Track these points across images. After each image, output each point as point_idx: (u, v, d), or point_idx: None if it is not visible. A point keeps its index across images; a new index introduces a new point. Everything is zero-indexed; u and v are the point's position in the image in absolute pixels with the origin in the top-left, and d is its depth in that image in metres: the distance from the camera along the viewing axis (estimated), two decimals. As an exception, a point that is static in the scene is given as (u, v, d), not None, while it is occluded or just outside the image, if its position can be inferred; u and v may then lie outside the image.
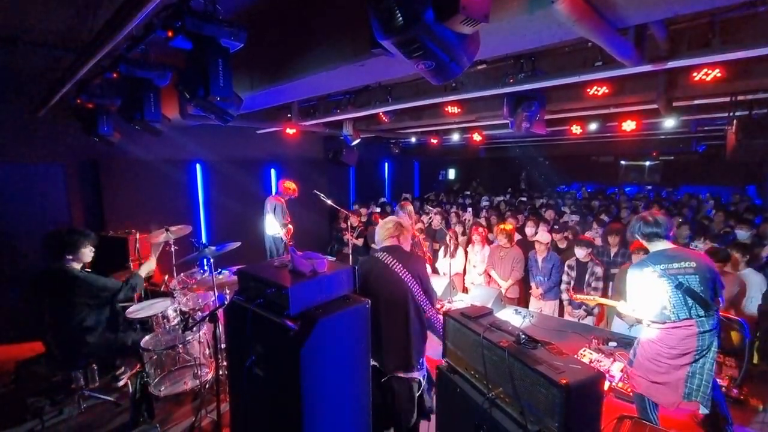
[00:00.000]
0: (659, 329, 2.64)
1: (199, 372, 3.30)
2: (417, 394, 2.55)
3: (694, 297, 2.49)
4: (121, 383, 3.58)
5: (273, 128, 6.82)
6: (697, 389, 2.54)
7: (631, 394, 3.04)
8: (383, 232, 2.69)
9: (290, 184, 6.16)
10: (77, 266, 3.22)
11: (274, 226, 5.88)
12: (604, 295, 4.54)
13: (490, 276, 5.30)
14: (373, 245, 6.82)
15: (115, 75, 3.11)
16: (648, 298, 2.63)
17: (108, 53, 2.71)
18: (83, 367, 3.26)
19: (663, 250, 2.65)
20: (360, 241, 7.08)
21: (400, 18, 1.48)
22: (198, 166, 7.19)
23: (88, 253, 3.27)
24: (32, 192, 5.15)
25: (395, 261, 2.50)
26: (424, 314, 2.52)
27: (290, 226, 5.97)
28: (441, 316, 2.49)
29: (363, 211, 8.05)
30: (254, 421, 2.13)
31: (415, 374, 2.52)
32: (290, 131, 6.59)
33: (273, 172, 8.44)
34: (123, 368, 3.69)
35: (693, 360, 2.55)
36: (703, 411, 2.54)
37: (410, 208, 5.57)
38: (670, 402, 2.61)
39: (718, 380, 3.02)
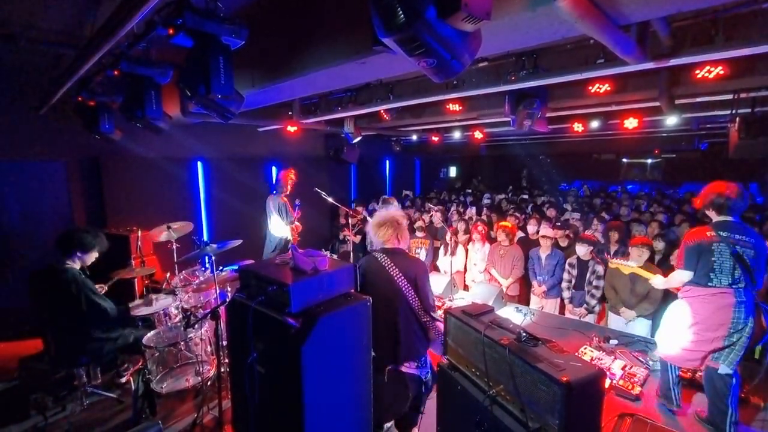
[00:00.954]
0: (696, 298, 2.74)
1: (200, 369, 3.31)
2: (415, 391, 2.54)
3: (742, 267, 2.59)
4: (123, 380, 3.60)
5: (274, 126, 6.82)
6: (725, 357, 2.64)
7: (631, 392, 3.06)
8: (381, 234, 2.63)
9: (288, 174, 5.97)
10: (77, 266, 3.21)
11: (280, 227, 5.81)
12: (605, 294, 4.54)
13: (490, 274, 5.30)
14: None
15: (116, 72, 3.12)
16: (697, 258, 2.72)
17: (109, 50, 2.71)
18: (84, 365, 3.27)
19: (730, 221, 2.72)
20: (358, 239, 7.08)
21: (402, 15, 1.48)
22: (199, 164, 7.20)
23: (92, 256, 3.29)
24: (34, 190, 5.16)
25: (392, 264, 2.49)
26: (421, 318, 2.49)
27: (298, 223, 5.88)
28: (439, 324, 2.48)
29: (360, 209, 8.04)
30: (256, 418, 2.14)
31: (416, 370, 2.51)
32: (291, 129, 6.59)
33: (274, 169, 8.45)
34: (126, 364, 3.70)
35: (727, 334, 2.62)
36: (724, 370, 2.64)
37: (395, 204, 5.34)
38: (695, 366, 2.77)
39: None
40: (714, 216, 2.80)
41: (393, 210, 2.76)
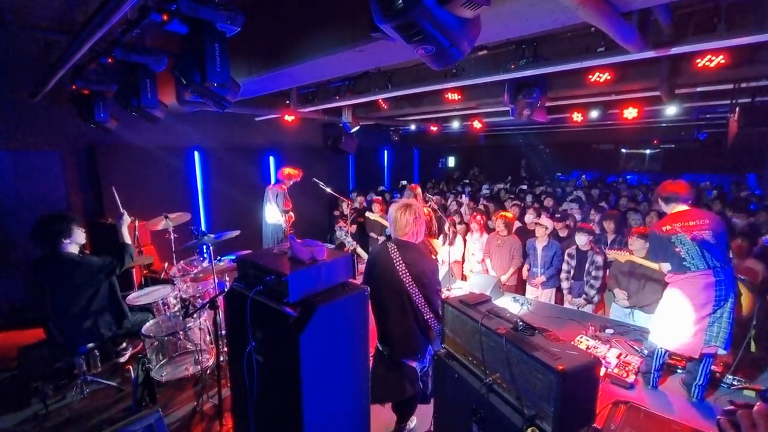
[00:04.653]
0: (681, 281, 2.96)
1: (200, 358, 3.34)
2: (419, 381, 2.57)
3: (709, 248, 2.82)
4: (123, 359, 3.62)
5: (271, 115, 6.76)
6: (716, 336, 2.86)
7: (626, 380, 3.11)
8: (399, 223, 2.54)
9: (291, 170, 6.08)
10: (75, 250, 3.22)
11: (274, 215, 5.86)
12: (604, 284, 4.56)
13: (486, 265, 5.31)
14: (371, 234, 6.84)
15: (110, 60, 3.07)
16: (668, 251, 2.97)
17: (103, 37, 2.66)
18: (85, 353, 3.29)
19: (681, 211, 2.98)
20: (353, 228, 7.06)
21: (400, 1, 1.45)
22: (196, 154, 7.15)
23: (81, 234, 3.29)
24: (30, 180, 5.12)
25: (400, 257, 2.42)
26: (423, 316, 2.45)
27: (291, 213, 5.93)
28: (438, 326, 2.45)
29: (360, 199, 8.02)
30: (255, 405, 2.16)
31: (414, 363, 2.53)
32: (289, 118, 6.53)
33: (272, 159, 8.40)
34: (124, 344, 3.72)
35: (713, 311, 2.85)
36: (722, 352, 2.90)
37: (418, 191, 5.22)
38: (693, 351, 2.93)
39: (712, 367, 3.10)
40: (668, 209, 3.07)
41: (414, 201, 2.70)
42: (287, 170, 6.02)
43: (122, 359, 3.63)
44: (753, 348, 3.61)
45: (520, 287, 5.31)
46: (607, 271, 4.54)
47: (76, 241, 3.23)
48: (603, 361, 3.27)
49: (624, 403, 2.17)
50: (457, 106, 6.24)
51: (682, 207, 2.99)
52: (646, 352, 3.39)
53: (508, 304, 4.48)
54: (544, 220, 5.20)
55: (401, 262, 2.42)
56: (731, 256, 2.92)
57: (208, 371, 3.35)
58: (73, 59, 3.17)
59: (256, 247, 5.97)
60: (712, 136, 10.32)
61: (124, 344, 3.72)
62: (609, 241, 5.03)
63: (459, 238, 5.85)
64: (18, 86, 4.82)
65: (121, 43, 2.88)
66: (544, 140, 14.02)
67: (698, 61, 3.59)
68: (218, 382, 2.87)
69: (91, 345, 3.27)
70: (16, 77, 4.81)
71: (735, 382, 3.14)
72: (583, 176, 13.78)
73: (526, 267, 5.04)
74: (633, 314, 4.10)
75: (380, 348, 2.57)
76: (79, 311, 3.14)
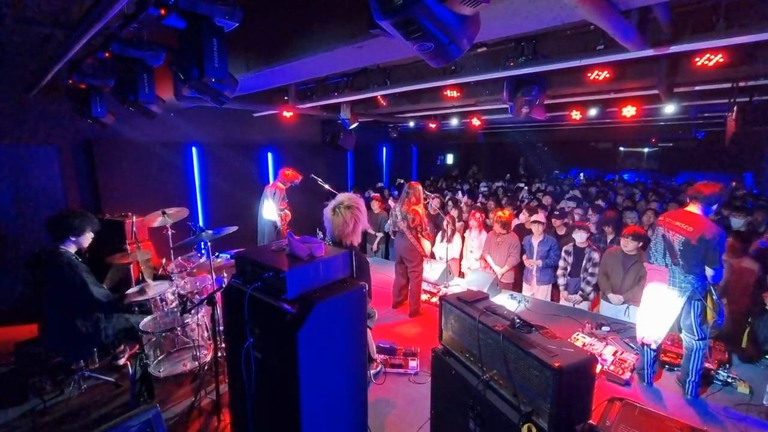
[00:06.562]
0: (648, 270, 3.24)
1: (197, 354, 3.34)
2: None
3: (670, 251, 3.03)
4: (121, 362, 3.62)
5: (270, 111, 6.73)
6: (653, 329, 3.07)
7: (622, 377, 3.14)
8: (333, 222, 2.59)
9: (291, 172, 6.11)
10: (72, 249, 3.20)
11: (271, 211, 5.87)
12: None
13: (486, 261, 5.33)
14: (369, 231, 6.85)
15: (107, 54, 3.04)
16: (653, 238, 3.24)
17: (99, 31, 2.64)
18: (79, 356, 3.27)
19: (683, 211, 3.10)
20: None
21: (399, -2, 1.44)
22: (194, 149, 7.12)
23: (88, 238, 3.26)
24: (26, 174, 5.10)
25: None
26: None
27: (287, 211, 5.94)
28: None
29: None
30: (253, 402, 2.17)
31: None
32: (287, 114, 6.51)
33: (270, 155, 8.38)
34: (122, 347, 3.72)
35: (668, 303, 3.01)
36: (653, 345, 3.11)
37: (419, 188, 4.72)
38: (655, 338, 3.11)
39: (707, 364, 3.13)
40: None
41: (351, 194, 2.65)
42: (288, 171, 6.05)
43: (120, 362, 3.62)
44: (744, 344, 3.64)
45: (518, 285, 5.33)
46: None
47: (80, 243, 3.20)
48: (599, 359, 3.30)
49: (619, 400, 2.19)
50: (456, 104, 6.22)
51: (691, 208, 3.03)
52: (635, 347, 3.45)
53: (505, 301, 4.50)
54: (539, 215, 5.22)
55: None
56: (716, 264, 2.84)
57: (206, 367, 3.35)
58: (70, 54, 3.15)
59: (253, 244, 5.97)
60: (710, 135, 10.36)
61: (123, 347, 3.72)
62: (608, 241, 5.06)
63: (457, 236, 5.86)
64: (14, 80, 4.79)
65: (119, 37, 2.85)
66: (543, 138, 14.03)
67: (697, 59, 3.59)
68: (216, 378, 2.88)
69: (83, 349, 3.25)
70: (12, 71, 4.77)
71: (728, 379, 3.17)
72: (581, 174, 13.81)
73: (525, 257, 5.06)
74: (628, 311, 4.13)
75: None
76: (69, 315, 3.09)
